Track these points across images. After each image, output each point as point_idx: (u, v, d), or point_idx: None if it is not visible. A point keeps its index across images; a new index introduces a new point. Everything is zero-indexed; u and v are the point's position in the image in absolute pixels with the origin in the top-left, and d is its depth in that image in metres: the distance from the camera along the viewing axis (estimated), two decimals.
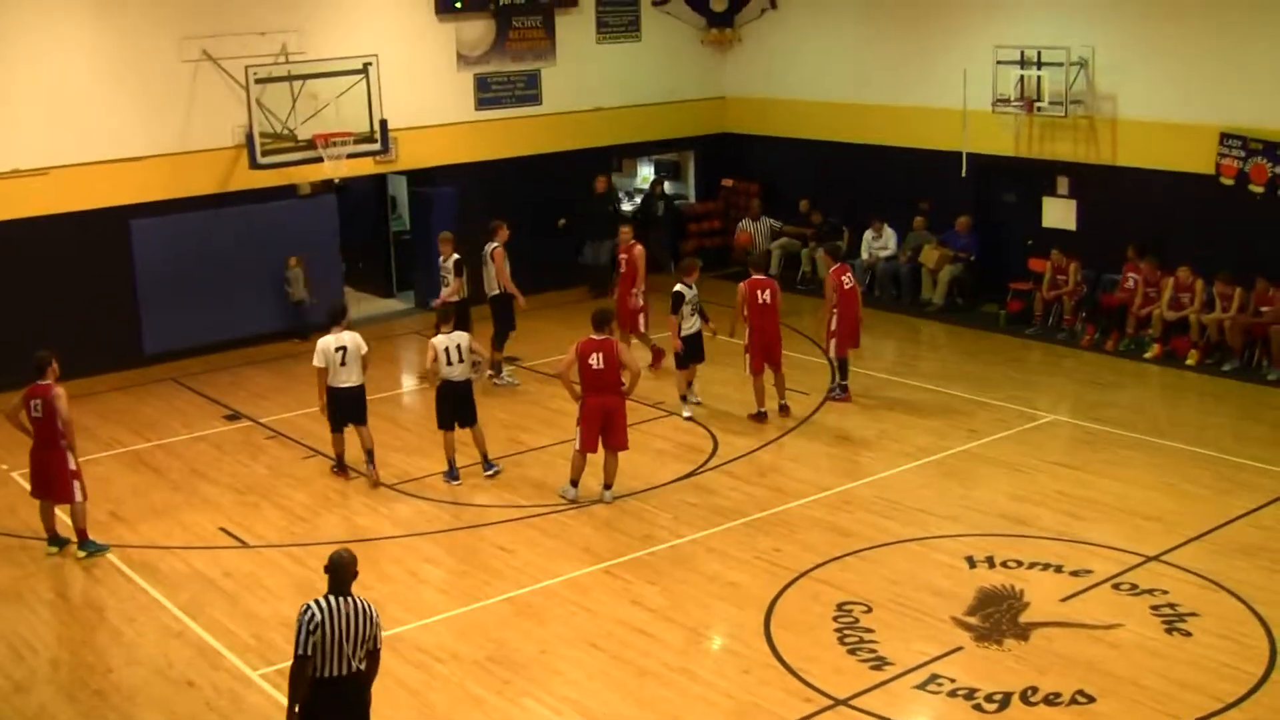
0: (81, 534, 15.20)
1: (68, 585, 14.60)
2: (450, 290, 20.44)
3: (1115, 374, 21.03)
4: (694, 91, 28.96)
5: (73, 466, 15.07)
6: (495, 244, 20.86)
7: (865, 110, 26.45)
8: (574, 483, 16.37)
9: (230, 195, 23.01)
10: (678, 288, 18.93)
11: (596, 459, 16.28)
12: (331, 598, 9.40)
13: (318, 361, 16.83)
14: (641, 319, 21.11)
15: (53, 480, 15.09)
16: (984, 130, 24.04)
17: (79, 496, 15.10)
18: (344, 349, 16.81)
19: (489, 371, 21.13)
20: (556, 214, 26.16)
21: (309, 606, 9.36)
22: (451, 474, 17.14)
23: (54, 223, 21.32)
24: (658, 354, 21.15)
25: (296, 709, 9.47)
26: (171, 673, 12.60)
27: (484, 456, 17.31)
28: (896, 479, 16.89)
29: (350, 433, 17.15)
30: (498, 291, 20.83)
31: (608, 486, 16.32)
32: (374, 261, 27.26)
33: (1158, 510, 15.63)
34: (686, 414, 19.19)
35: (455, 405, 17.07)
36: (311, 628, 9.26)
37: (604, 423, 16.04)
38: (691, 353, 19.17)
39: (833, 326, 19.62)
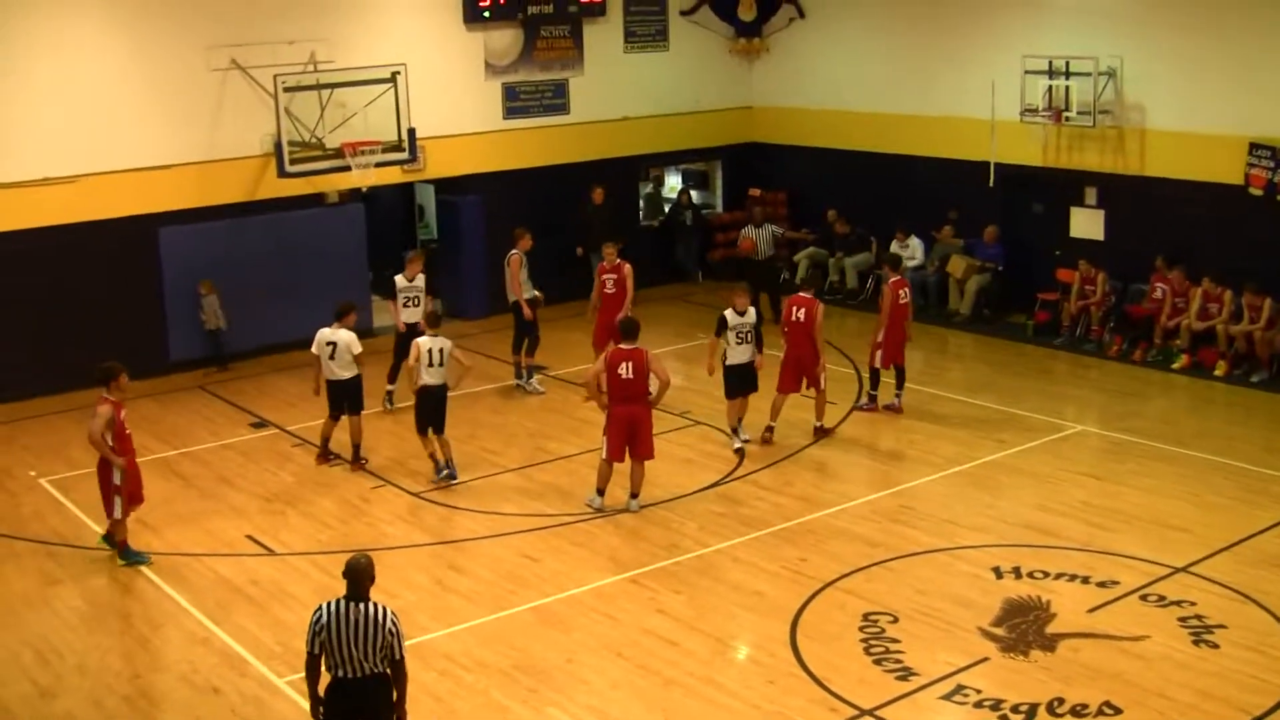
0: (121, 544, 15.17)
1: (95, 592, 14.63)
2: (415, 313, 19.93)
3: (1143, 385, 20.97)
4: (721, 101, 28.98)
5: (116, 481, 14.90)
6: (514, 251, 20.91)
7: (893, 120, 26.43)
8: (600, 491, 16.35)
9: (258, 204, 23.09)
10: (725, 312, 18.04)
11: (623, 468, 16.27)
12: (343, 602, 9.52)
13: (314, 348, 17.58)
14: None
15: (100, 491, 15.09)
16: (1012, 140, 23.99)
17: (116, 514, 14.96)
18: (334, 344, 17.38)
19: (515, 380, 21.18)
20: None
21: (319, 608, 9.57)
22: (448, 473, 17.29)
23: (83, 230, 21.41)
24: None
25: (320, 709, 9.78)
26: (197, 679, 12.63)
27: (444, 461, 17.45)
28: (923, 489, 16.86)
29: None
30: (516, 299, 20.89)
31: (634, 495, 16.31)
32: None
33: (1185, 521, 15.58)
34: (737, 445, 18.37)
35: (431, 410, 17.21)
36: (317, 629, 9.48)
37: (630, 432, 16.02)
38: (743, 383, 18.34)
39: (879, 338, 19.64)
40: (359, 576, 9.59)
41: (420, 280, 20.27)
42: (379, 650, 9.49)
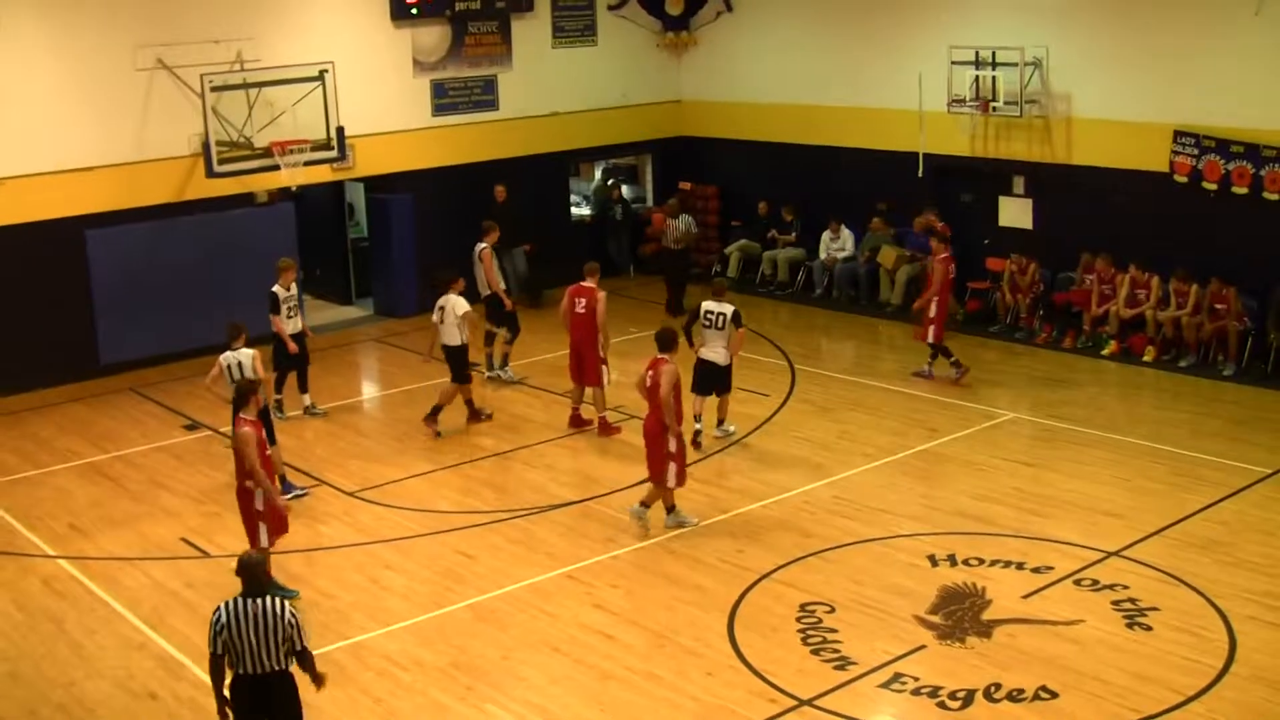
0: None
1: (27, 598, 14.47)
2: (297, 323, 19.49)
3: (1073, 371, 21.13)
4: (651, 95, 28.99)
5: (259, 506, 13.76)
6: (483, 244, 20.87)
7: (822, 112, 26.51)
8: (666, 509, 15.63)
9: (187, 204, 22.86)
10: (731, 307, 17.87)
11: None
12: (241, 599, 9.59)
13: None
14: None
15: (248, 523, 13.97)
16: (940, 131, 24.14)
17: (263, 542, 13.91)
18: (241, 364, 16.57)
19: (487, 372, 21.05)
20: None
21: (218, 608, 9.63)
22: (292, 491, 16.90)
23: (8, 233, 21.14)
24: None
25: (226, 709, 9.86)
26: (133, 685, 12.54)
27: (280, 479, 16.42)
28: (857, 479, 16.93)
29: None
30: (490, 292, 20.82)
31: (642, 504, 15.51)
32: (332, 269, 27.17)
33: (1117, 506, 15.73)
34: (733, 427, 18.56)
35: None
36: (218, 629, 9.56)
37: (646, 444, 15.37)
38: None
39: (932, 313, 20.17)
40: (254, 572, 9.68)
41: (294, 288, 19.62)
42: (280, 644, 9.57)
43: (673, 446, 15.24)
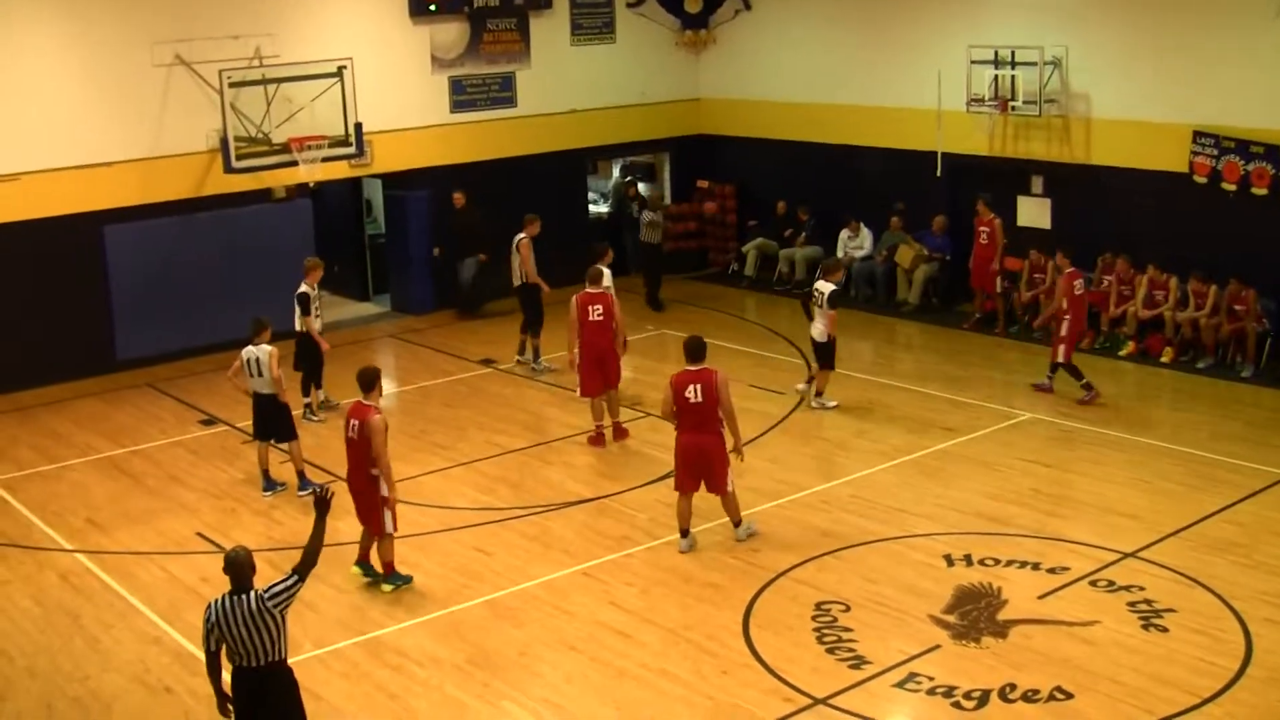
0: (388, 566, 14.21)
1: (44, 593, 14.51)
2: (320, 321, 19.51)
3: (1090, 372, 21.00)
4: (669, 93, 28.96)
5: (384, 493, 13.90)
6: (523, 235, 21.22)
7: (840, 110, 26.47)
8: (683, 533, 15.02)
9: (205, 200, 22.91)
10: (833, 286, 19.22)
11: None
12: (228, 596, 9.68)
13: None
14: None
15: (370, 510, 14.03)
16: (958, 130, 24.08)
17: (389, 528, 14.02)
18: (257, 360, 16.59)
19: (518, 356, 21.51)
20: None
21: (208, 606, 9.76)
22: (266, 485, 16.95)
23: (26, 229, 21.21)
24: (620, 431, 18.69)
25: (227, 705, 9.99)
26: (149, 679, 12.57)
27: (299, 475, 16.93)
28: (874, 478, 16.91)
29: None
30: (522, 281, 21.15)
31: (736, 524, 15.08)
32: (350, 265, 27.20)
33: (1133, 507, 15.68)
34: (832, 403, 19.56)
35: (259, 417, 16.88)
36: (209, 627, 9.71)
37: (700, 463, 14.65)
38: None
39: (1063, 332, 19.52)
40: (240, 569, 9.75)
41: (317, 287, 19.51)
42: (270, 633, 9.63)
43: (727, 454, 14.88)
